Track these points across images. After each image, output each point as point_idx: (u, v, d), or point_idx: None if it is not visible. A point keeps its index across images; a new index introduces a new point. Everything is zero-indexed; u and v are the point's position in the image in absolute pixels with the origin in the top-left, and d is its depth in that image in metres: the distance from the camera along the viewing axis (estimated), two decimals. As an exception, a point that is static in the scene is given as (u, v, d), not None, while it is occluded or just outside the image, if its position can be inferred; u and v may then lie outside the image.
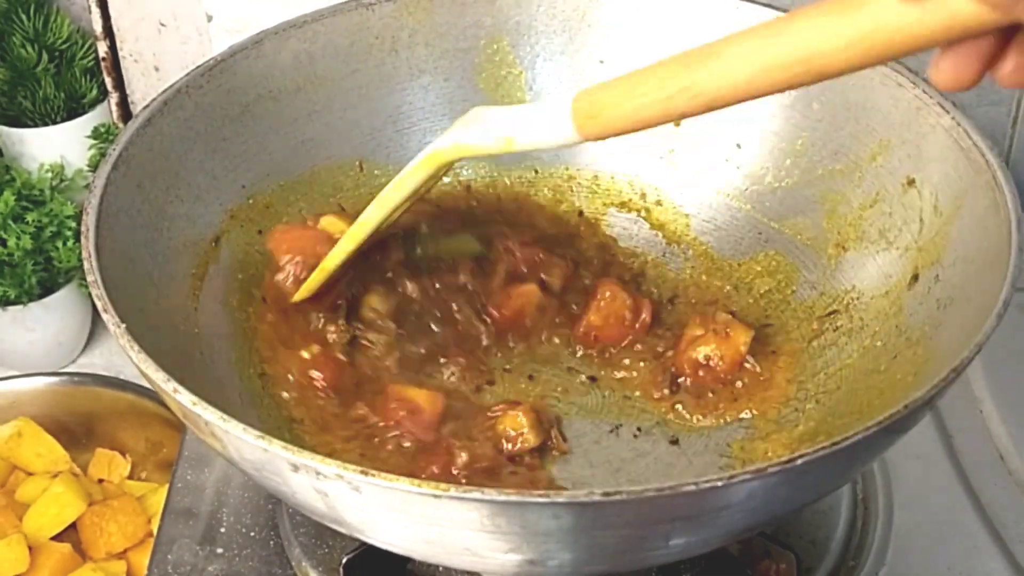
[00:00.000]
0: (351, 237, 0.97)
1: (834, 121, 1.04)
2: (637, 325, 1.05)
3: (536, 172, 1.15)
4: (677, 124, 1.11)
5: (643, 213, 1.13)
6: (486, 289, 1.05)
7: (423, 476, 0.89)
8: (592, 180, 1.14)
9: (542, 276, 1.06)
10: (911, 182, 0.97)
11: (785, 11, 1.05)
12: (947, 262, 0.93)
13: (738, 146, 1.09)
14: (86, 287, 1.16)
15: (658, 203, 1.13)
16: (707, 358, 1.01)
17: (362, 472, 0.70)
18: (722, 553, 0.97)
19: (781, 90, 0.72)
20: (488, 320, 1.05)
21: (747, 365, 1.01)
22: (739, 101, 0.74)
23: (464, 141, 0.90)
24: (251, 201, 1.05)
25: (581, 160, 1.14)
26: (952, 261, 0.92)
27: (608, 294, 1.05)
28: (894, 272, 0.98)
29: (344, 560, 0.97)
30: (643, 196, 1.13)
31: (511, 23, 1.13)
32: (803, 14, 0.69)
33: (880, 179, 1.00)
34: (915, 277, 0.95)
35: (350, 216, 1.01)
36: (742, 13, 1.08)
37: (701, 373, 1.01)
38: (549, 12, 1.12)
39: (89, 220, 0.88)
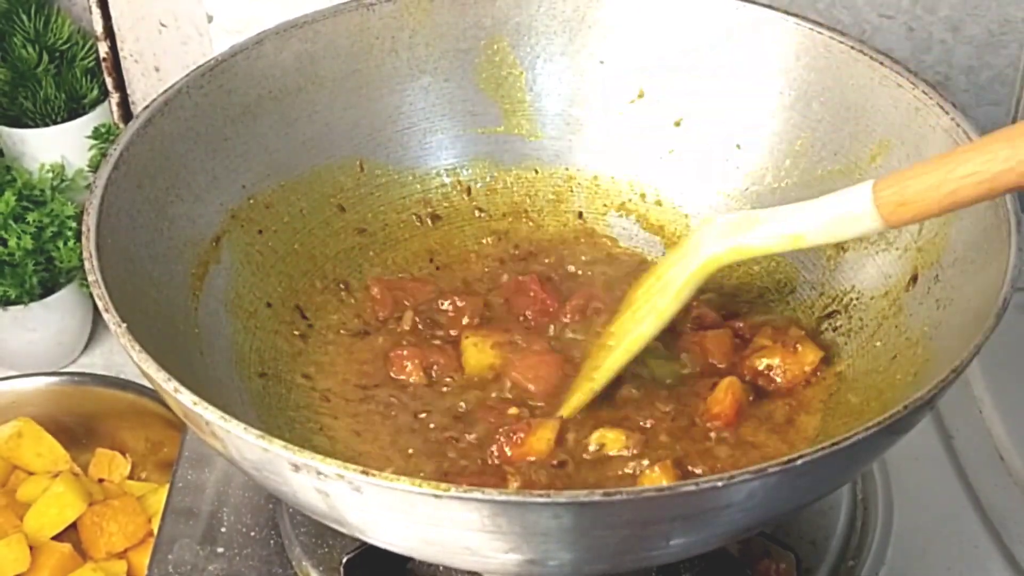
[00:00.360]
0: (626, 351, 0.95)
1: (834, 121, 1.04)
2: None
3: (536, 172, 1.15)
4: (677, 124, 1.11)
5: (643, 213, 1.13)
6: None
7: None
8: (592, 180, 1.14)
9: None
10: (911, 182, 0.97)
11: (786, 13, 1.06)
12: (946, 262, 0.93)
13: (738, 146, 1.09)
14: (87, 287, 1.16)
15: (658, 203, 1.13)
16: (769, 368, 0.99)
17: (363, 472, 0.70)
18: (722, 553, 0.97)
19: None
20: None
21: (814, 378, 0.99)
22: None
23: (747, 243, 0.89)
24: (252, 201, 1.04)
25: (581, 161, 1.14)
26: (952, 261, 0.92)
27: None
28: (894, 272, 0.98)
29: (344, 560, 0.97)
30: (643, 196, 1.13)
31: (511, 24, 1.12)
32: None
33: (880, 179, 1.00)
34: (914, 278, 0.95)
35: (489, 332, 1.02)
36: (742, 13, 1.08)
37: (760, 382, 0.99)
38: (549, 13, 1.12)
39: (90, 220, 0.88)
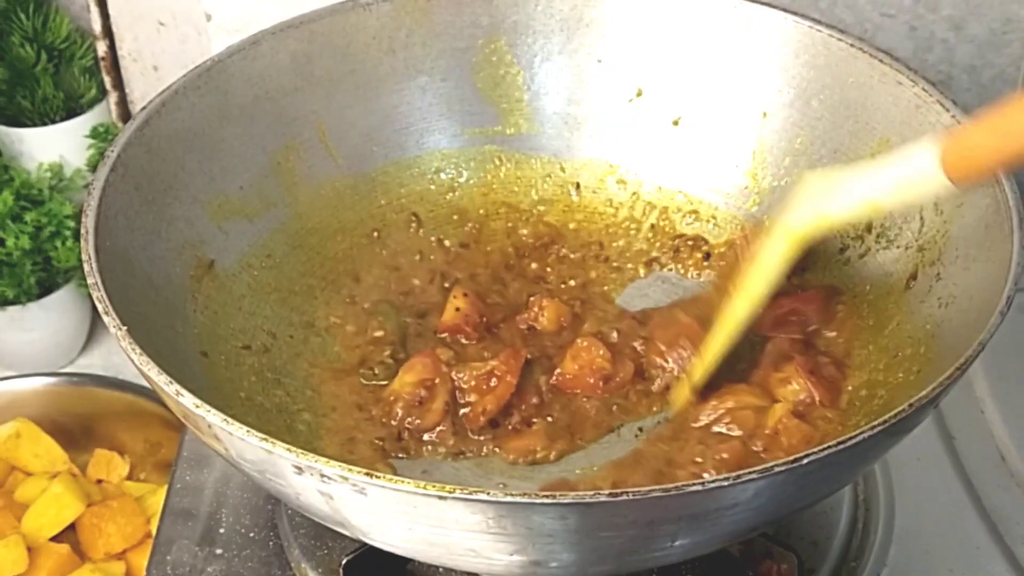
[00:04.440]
0: (723, 333, 0.95)
1: (833, 119, 1.04)
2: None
3: (534, 171, 1.15)
4: (676, 124, 1.11)
5: (642, 212, 1.13)
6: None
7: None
8: (592, 179, 1.14)
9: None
10: (911, 181, 0.97)
11: (785, 11, 1.06)
12: (948, 261, 0.93)
13: (737, 145, 1.09)
14: (85, 287, 1.16)
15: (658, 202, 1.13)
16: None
17: (367, 474, 0.70)
18: (723, 554, 0.97)
19: None
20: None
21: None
22: None
23: (826, 213, 0.89)
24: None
25: (579, 159, 1.14)
26: (953, 259, 0.92)
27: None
28: (895, 271, 0.98)
29: (344, 561, 0.97)
30: (642, 196, 1.13)
31: (508, 23, 1.12)
32: None
33: (880, 178, 1.00)
34: (914, 276, 0.95)
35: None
36: (741, 13, 1.08)
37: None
38: (547, 11, 1.12)
39: (88, 222, 0.87)
